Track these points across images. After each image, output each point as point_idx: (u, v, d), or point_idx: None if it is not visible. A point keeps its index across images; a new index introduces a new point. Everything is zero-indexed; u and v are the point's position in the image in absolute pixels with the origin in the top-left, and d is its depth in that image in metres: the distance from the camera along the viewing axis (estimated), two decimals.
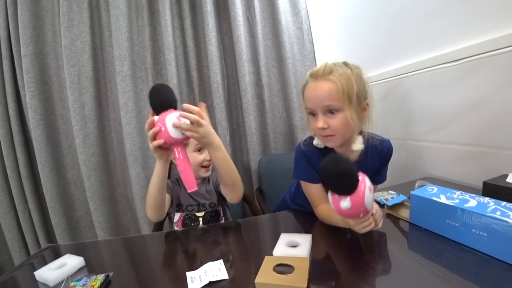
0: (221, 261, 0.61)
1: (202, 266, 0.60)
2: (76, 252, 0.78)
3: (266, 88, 1.50)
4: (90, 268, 0.68)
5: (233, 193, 0.84)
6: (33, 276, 0.64)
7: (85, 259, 0.70)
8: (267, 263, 0.53)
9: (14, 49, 1.35)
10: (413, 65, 1.01)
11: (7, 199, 1.40)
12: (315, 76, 0.69)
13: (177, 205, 0.97)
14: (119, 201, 1.50)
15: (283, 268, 0.52)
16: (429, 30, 0.95)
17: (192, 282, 0.56)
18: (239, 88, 1.47)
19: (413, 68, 1.01)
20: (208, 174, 0.98)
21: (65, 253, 0.74)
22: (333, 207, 0.56)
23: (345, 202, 0.53)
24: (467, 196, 0.57)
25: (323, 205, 0.77)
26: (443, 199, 0.57)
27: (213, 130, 0.71)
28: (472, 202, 0.54)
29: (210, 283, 0.55)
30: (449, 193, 0.60)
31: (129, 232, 1.50)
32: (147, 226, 1.40)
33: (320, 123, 0.67)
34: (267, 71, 1.51)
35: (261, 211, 1.25)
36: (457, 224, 0.54)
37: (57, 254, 0.77)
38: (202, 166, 0.95)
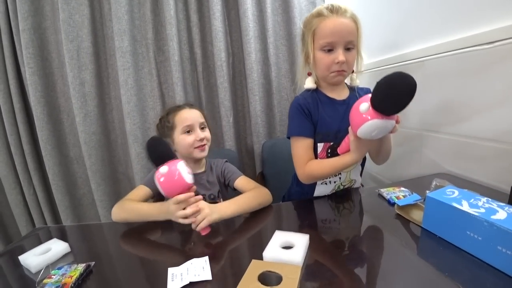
0: (206, 258, 0.56)
1: (185, 263, 0.56)
2: (67, 236, 0.76)
3: (273, 67, 1.38)
4: (75, 255, 0.66)
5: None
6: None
7: (73, 244, 0.68)
8: (253, 269, 0.47)
9: (12, 23, 1.29)
10: (438, 47, 0.87)
11: (12, 175, 1.41)
12: (335, 12, 0.72)
13: None
14: (121, 180, 1.49)
15: (270, 275, 0.46)
16: (459, 7, 0.80)
17: (172, 280, 0.51)
18: (245, 66, 1.37)
19: (437, 50, 0.87)
20: (204, 154, 0.91)
21: (55, 236, 0.73)
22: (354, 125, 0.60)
23: (365, 106, 0.57)
24: (494, 204, 0.48)
25: (314, 161, 0.79)
26: (465, 207, 0.48)
27: (212, 206, 0.70)
28: (501, 213, 0.45)
29: (191, 283, 0.50)
30: (472, 199, 0.50)
31: None
32: None
33: (342, 56, 0.72)
34: (276, 49, 1.39)
35: None
36: (479, 238, 0.45)
37: (47, 237, 0.76)
38: (195, 148, 0.89)
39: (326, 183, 0.85)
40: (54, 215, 1.48)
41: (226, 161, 0.99)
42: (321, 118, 0.80)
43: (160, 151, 0.69)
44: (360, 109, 0.57)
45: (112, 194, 1.45)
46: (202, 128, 0.92)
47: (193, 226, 0.66)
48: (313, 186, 0.86)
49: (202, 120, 0.93)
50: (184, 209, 0.66)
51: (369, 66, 1.23)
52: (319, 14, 0.74)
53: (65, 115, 1.41)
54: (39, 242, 0.68)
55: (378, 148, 0.77)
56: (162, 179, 0.65)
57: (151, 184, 0.86)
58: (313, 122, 0.80)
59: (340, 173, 0.83)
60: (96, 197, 1.40)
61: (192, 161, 0.93)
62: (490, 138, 0.76)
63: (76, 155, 1.43)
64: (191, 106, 0.96)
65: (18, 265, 0.62)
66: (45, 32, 1.33)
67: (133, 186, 1.46)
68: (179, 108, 0.93)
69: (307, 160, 0.79)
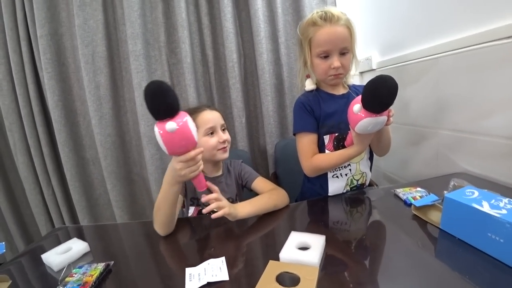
0: (223, 259, 0.57)
1: (203, 263, 0.57)
2: (84, 235, 0.78)
3: (285, 67, 1.38)
4: (94, 254, 0.68)
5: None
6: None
7: (92, 244, 0.70)
8: (270, 270, 0.48)
9: (30, 30, 1.34)
10: (454, 43, 0.85)
11: (32, 176, 1.47)
12: (329, 20, 0.77)
13: (191, 199, 0.92)
14: (136, 181, 1.52)
15: (288, 276, 0.47)
16: (476, 1, 0.78)
17: (190, 280, 0.52)
18: (256, 67, 1.37)
19: (453, 46, 0.85)
20: (226, 155, 0.91)
21: (74, 236, 0.75)
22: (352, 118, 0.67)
23: (357, 107, 0.65)
24: None
25: (320, 154, 0.85)
26: (486, 208, 0.47)
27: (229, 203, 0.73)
28: None
29: (209, 283, 0.51)
30: (493, 200, 0.49)
31: (145, 212, 1.53)
32: None
33: (338, 62, 0.78)
34: (287, 49, 1.38)
35: None
36: (501, 240, 0.44)
37: (65, 236, 0.78)
38: (218, 149, 0.88)
39: (337, 176, 0.86)
40: (72, 215, 1.52)
41: (242, 162, 0.99)
42: (323, 112, 0.85)
43: (168, 104, 0.57)
44: (354, 109, 0.66)
45: (127, 195, 1.48)
46: (222, 130, 0.91)
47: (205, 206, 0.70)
48: (325, 181, 0.87)
49: (223, 121, 0.92)
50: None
51: (382, 64, 1.21)
52: (314, 24, 0.79)
53: (81, 118, 1.45)
54: (59, 242, 0.71)
55: (378, 139, 0.82)
56: (169, 137, 0.58)
57: (182, 190, 0.86)
58: (316, 118, 0.85)
59: (350, 165, 0.86)
60: (111, 197, 1.43)
61: (211, 164, 0.92)
62: (509, 136, 0.73)
63: (92, 157, 1.48)
64: (210, 107, 0.94)
65: (40, 263, 0.64)
66: (61, 38, 1.38)
67: (147, 186, 1.49)
68: (199, 109, 0.91)
69: (311, 154, 0.84)
